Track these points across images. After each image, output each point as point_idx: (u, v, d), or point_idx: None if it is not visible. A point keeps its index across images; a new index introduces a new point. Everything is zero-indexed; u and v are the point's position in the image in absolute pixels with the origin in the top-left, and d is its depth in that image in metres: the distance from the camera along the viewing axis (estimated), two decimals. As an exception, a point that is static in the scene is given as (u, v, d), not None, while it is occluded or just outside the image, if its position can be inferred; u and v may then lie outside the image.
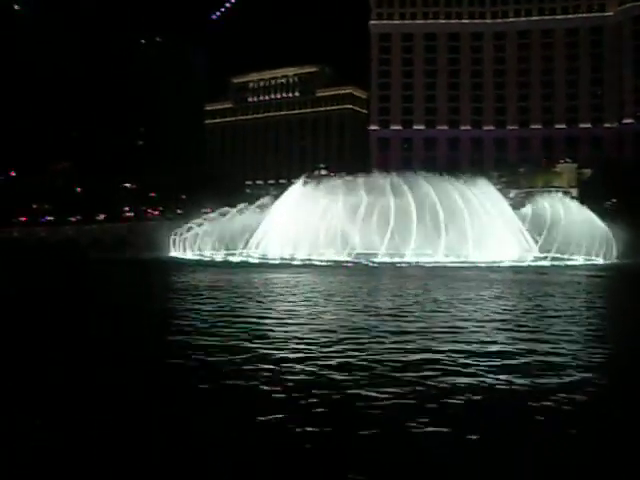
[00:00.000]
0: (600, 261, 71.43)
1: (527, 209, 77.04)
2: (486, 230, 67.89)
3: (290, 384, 14.03)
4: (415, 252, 67.40)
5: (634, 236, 78.44)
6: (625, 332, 23.82)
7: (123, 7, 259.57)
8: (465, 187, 71.94)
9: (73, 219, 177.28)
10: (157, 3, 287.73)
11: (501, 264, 61.97)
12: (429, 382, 14.23)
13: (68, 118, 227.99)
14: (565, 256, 71.45)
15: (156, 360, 17.27)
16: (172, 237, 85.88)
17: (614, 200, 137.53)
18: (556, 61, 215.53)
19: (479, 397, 13.10)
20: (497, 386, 13.98)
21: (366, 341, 19.33)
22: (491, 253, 66.20)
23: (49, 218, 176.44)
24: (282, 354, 17.22)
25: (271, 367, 15.61)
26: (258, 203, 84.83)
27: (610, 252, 74.68)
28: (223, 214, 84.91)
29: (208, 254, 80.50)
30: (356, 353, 17.39)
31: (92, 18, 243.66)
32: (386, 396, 13.00)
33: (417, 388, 13.72)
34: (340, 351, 17.73)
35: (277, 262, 66.26)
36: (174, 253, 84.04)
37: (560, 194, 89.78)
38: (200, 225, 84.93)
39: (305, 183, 79.86)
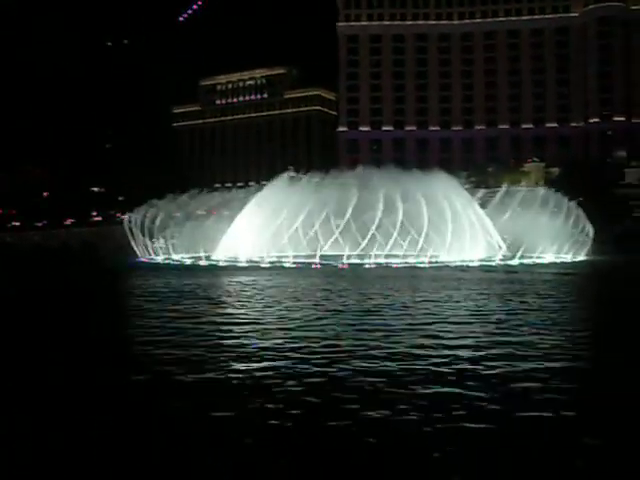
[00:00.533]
0: (569, 259, 71.57)
1: (495, 208, 77.01)
2: (455, 230, 67.68)
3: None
4: (385, 253, 67.02)
5: (600, 234, 78.96)
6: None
7: (90, 10, 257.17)
8: (434, 187, 71.66)
9: (39, 224, 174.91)
10: (124, 5, 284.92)
11: (470, 264, 61.87)
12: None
13: (34, 121, 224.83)
14: (534, 254, 71.53)
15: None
16: (141, 241, 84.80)
17: (581, 199, 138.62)
18: (522, 61, 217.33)
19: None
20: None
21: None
22: (461, 253, 66.06)
23: (15, 223, 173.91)
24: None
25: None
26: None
27: (579, 250, 74.94)
28: (189, 217, 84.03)
29: (178, 257, 79.60)
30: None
31: (60, 21, 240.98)
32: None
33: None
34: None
35: (246, 265, 65.59)
36: (144, 257, 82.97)
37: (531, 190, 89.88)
38: (169, 228, 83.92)
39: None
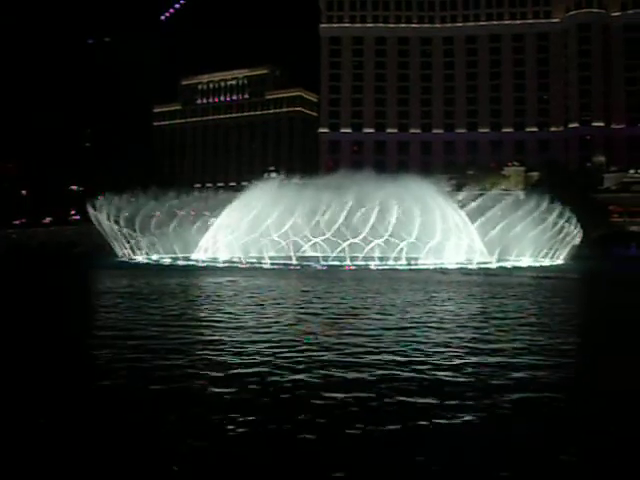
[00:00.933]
0: (546, 263, 71.85)
1: (474, 211, 77.13)
2: (434, 233, 67.72)
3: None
4: (365, 255, 66.97)
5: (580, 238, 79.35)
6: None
7: (71, 7, 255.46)
8: (415, 190, 71.70)
9: (17, 222, 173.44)
10: (106, 3, 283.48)
11: (449, 266, 61.96)
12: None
13: (13, 119, 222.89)
14: (512, 258, 71.77)
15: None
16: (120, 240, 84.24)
17: (560, 203, 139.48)
18: (503, 66, 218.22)
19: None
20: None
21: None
22: (441, 255, 66.13)
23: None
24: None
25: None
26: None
27: (557, 254, 75.33)
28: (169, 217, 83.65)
29: (156, 257, 79.17)
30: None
31: (40, 17, 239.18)
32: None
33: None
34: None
35: (225, 265, 65.28)
36: (123, 257, 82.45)
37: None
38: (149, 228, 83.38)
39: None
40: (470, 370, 16.05)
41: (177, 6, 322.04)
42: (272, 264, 64.61)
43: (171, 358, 17.29)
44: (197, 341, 20.07)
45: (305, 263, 65.21)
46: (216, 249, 73.84)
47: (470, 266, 63.61)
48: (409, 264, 63.82)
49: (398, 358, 17.32)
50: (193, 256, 75.72)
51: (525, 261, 71.40)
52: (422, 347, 18.91)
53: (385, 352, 18.15)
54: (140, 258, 79.84)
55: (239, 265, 64.55)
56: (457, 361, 17.02)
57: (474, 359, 17.33)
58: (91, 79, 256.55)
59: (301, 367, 16.16)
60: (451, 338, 20.61)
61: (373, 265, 63.26)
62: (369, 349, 18.57)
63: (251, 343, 19.50)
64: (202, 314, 27.04)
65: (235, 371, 15.77)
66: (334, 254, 67.68)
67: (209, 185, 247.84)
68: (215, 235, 74.43)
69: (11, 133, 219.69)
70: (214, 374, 15.47)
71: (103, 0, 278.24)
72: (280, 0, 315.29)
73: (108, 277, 53.23)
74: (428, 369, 16.00)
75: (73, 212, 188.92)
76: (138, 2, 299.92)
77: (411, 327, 23.01)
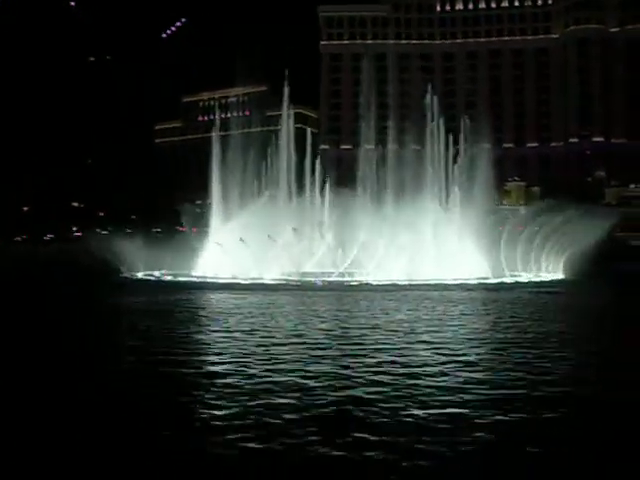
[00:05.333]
0: (547, 277, 71.11)
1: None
2: (439, 249, 67.46)
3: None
4: (366, 271, 66.60)
5: (579, 254, 79.09)
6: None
7: (73, 26, 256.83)
8: (417, 206, 71.64)
9: (18, 238, 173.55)
10: (107, 21, 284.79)
11: (451, 282, 61.66)
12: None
13: (15, 136, 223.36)
14: (514, 273, 71.37)
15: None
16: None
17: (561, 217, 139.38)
18: (503, 81, 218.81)
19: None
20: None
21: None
22: (443, 271, 65.59)
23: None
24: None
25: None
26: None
27: (556, 268, 74.68)
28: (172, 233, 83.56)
29: (157, 274, 78.77)
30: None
31: (41, 36, 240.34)
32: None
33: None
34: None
35: (226, 282, 65.05)
36: (126, 273, 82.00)
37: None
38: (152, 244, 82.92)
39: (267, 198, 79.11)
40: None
41: (178, 24, 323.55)
42: (273, 280, 64.33)
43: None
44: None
45: (309, 279, 64.95)
46: (218, 265, 73.36)
47: (471, 282, 63.16)
48: (410, 279, 63.22)
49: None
50: (194, 272, 75.24)
51: (524, 276, 70.82)
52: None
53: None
54: (140, 274, 79.35)
55: (240, 282, 64.26)
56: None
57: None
58: (92, 97, 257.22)
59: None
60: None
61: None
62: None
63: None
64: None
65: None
66: (340, 270, 67.35)
67: (210, 201, 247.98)
68: (217, 251, 73.96)
69: (13, 150, 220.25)
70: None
71: (104, 19, 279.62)
72: (281, 18, 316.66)
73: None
74: None
75: (75, 229, 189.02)
76: (139, 20, 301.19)
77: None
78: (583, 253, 71.18)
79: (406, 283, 60.81)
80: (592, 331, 32.33)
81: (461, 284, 60.83)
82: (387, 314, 36.84)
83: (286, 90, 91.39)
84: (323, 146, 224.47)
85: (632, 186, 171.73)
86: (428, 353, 23.03)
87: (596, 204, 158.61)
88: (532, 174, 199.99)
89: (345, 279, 64.77)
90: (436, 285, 59.29)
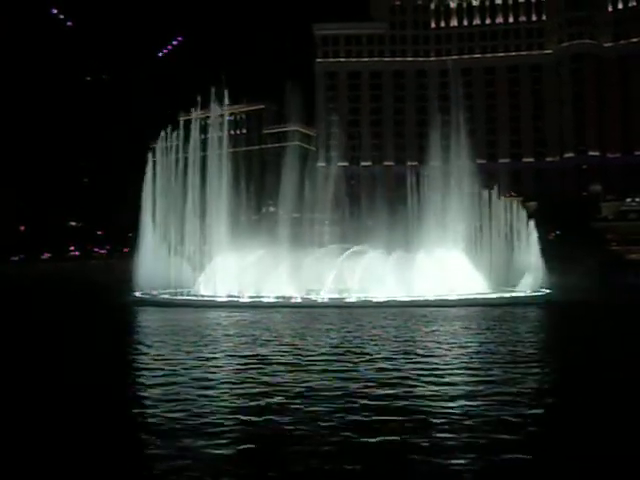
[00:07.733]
0: (529, 292, 70.76)
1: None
2: (434, 264, 67.78)
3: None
4: (363, 288, 66.90)
5: (568, 268, 79.49)
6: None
7: (69, 44, 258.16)
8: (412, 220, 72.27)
9: (15, 258, 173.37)
10: (103, 40, 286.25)
11: (448, 297, 62.01)
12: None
13: (11, 155, 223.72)
14: (504, 288, 71.61)
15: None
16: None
17: (558, 232, 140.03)
18: (498, 97, 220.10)
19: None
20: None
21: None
22: (438, 287, 65.86)
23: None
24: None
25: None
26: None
27: (539, 284, 74.33)
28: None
29: (155, 292, 78.73)
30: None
31: (38, 55, 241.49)
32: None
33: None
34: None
35: (224, 300, 65.32)
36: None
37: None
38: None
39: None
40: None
41: (174, 43, 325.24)
42: (275, 298, 64.60)
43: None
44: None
45: (307, 296, 65.26)
46: (217, 284, 73.44)
47: (469, 297, 63.46)
48: (408, 296, 63.53)
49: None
50: (193, 291, 75.21)
51: (520, 291, 70.90)
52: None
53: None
54: (138, 294, 79.27)
55: (240, 300, 64.44)
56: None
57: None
58: (89, 115, 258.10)
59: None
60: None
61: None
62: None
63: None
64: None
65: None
66: (334, 286, 67.70)
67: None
68: (217, 270, 74.15)
69: (10, 169, 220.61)
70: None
71: (100, 38, 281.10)
72: (276, 36, 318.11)
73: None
74: None
75: (72, 248, 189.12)
76: (135, 39, 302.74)
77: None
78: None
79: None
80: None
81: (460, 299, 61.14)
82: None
83: (290, 107, 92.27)
84: (320, 163, 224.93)
85: (628, 200, 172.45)
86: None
87: (593, 218, 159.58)
88: (528, 189, 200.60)
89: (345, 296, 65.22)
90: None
